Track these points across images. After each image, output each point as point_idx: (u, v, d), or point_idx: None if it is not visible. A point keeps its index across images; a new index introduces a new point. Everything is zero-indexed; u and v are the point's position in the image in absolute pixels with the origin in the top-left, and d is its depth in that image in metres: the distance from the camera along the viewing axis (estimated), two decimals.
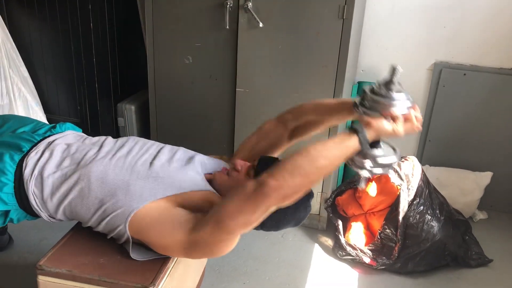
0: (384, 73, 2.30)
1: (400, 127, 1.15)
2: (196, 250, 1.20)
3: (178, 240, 1.19)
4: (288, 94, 1.97)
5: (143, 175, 1.26)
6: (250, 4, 1.85)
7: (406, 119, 1.16)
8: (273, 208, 1.10)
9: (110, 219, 1.23)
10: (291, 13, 1.85)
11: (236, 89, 2.02)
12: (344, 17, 1.80)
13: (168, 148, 1.41)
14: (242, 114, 2.06)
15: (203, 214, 1.20)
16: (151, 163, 1.30)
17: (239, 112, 2.06)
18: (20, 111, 2.25)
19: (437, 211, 1.94)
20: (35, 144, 1.38)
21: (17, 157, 1.32)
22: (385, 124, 1.13)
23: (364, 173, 1.20)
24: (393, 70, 1.11)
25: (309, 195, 1.30)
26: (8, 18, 2.30)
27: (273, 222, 1.26)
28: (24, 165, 1.31)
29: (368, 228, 2.05)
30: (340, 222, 2.06)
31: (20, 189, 1.29)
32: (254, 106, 2.03)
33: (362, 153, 1.15)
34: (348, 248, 1.98)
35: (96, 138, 1.47)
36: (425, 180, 1.98)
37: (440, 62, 2.35)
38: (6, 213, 1.33)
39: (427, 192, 1.95)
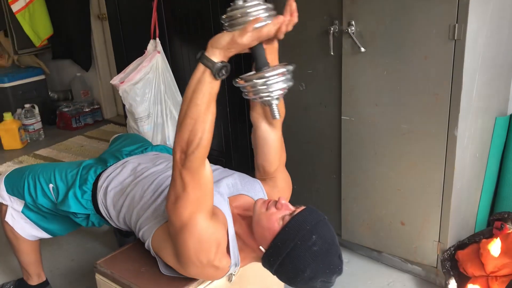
0: None
1: (237, 33, 1.03)
2: (181, 258, 1.21)
3: (172, 252, 1.23)
4: (396, 124, 1.77)
5: None
6: (353, 28, 1.74)
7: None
8: (185, 164, 1.10)
9: (142, 235, 1.35)
10: (395, 35, 1.67)
11: (342, 117, 1.91)
12: (456, 38, 1.53)
13: None
14: (348, 144, 1.93)
15: None
16: None
17: (345, 141, 1.94)
18: (170, 129, 2.61)
19: None
20: (119, 161, 1.61)
21: (99, 170, 1.57)
22: (220, 36, 1.05)
23: (264, 96, 1.11)
24: None
25: (332, 270, 1.17)
26: (170, 52, 2.70)
27: (286, 278, 1.19)
28: (100, 177, 1.54)
29: None
30: (452, 281, 1.71)
31: (95, 197, 1.53)
32: (359, 136, 1.89)
33: (240, 80, 1.12)
34: None
35: (165, 158, 1.62)
36: None
37: None
38: (88, 216, 1.58)
39: None
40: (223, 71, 1.07)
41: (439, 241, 1.81)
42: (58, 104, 4.26)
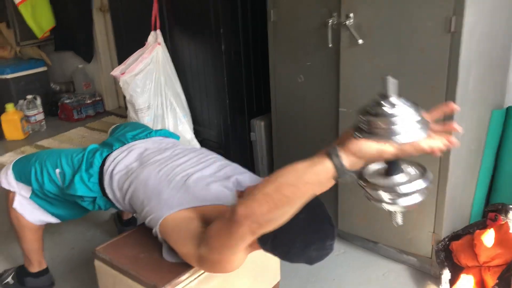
0: None
1: (389, 147, 0.88)
2: (205, 265, 1.24)
3: (190, 252, 1.25)
4: None
5: (178, 185, 1.36)
6: (351, 20, 1.76)
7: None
8: (256, 232, 1.05)
9: (149, 221, 1.37)
10: (392, 28, 1.68)
11: (339, 109, 1.93)
12: (452, 30, 1.54)
13: (218, 164, 1.47)
14: None
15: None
16: (191, 175, 1.39)
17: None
18: (170, 121, 2.63)
19: None
20: (124, 145, 1.64)
21: (105, 154, 1.60)
22: (366, 145, 0.89)
23: (388, 207, 0.97)
24: (384, 82, 0.93)
25: (323, 235, 1.15)
26: (171, 44, 2.71)
27: (280, 253, 1.19)
28: (106, 160, 1.57)
29: (482, 285, 1.67)
30: (446, 271, 1.73)
31: (101, 180, 1.56)
32: None
33: (367, 183, 0.98)
34: None
35: (171, 145, 1.63)
36: None
37: None
38: (94, 199, 1.61)
39: None
40: (346, 179, 0.94)
41: (434, 232, 1.83)
42: (60, 95, 4.28)
